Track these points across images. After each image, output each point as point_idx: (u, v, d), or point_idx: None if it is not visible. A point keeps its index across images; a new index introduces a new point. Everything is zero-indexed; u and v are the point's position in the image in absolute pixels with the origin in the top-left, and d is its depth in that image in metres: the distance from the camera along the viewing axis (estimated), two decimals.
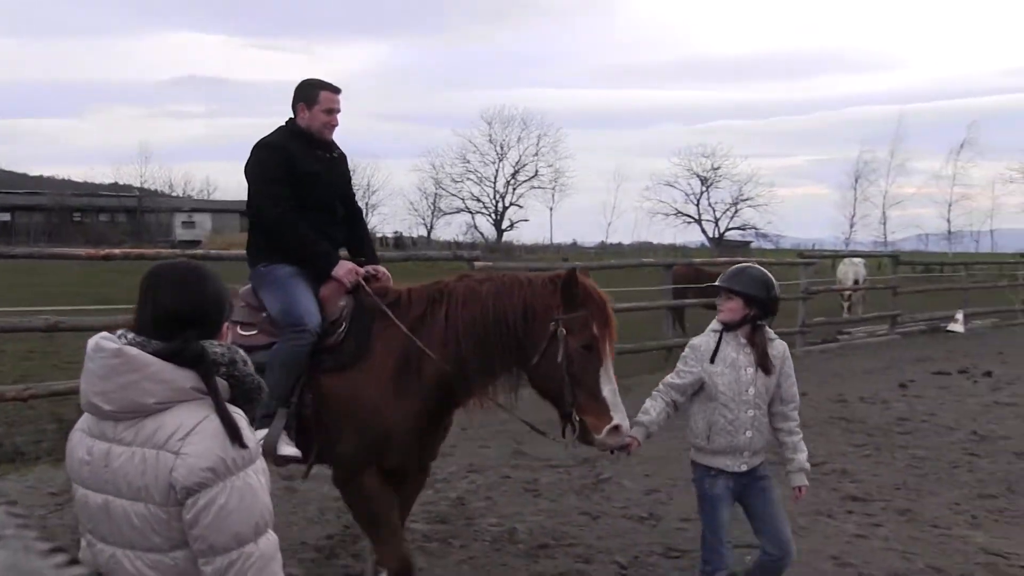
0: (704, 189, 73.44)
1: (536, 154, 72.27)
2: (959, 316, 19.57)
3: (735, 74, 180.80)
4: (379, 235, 72.84)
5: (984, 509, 6.83)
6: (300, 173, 4.56)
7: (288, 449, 4.21)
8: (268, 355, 4.24)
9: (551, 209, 72.29)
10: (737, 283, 4.39)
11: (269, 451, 4.11)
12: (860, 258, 23.48)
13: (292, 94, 4.74)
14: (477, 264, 10.16)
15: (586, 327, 4.02)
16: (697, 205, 73.62)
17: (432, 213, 77.72)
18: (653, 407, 4.45)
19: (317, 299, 4.45)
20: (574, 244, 67.75)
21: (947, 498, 7.10)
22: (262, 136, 4.71)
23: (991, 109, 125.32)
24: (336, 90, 4.74)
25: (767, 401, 4.42)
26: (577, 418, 3.99)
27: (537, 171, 72.53)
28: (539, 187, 72.29)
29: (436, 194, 77.23)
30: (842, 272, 21.33)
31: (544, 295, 4.11)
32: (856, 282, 20.34)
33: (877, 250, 49.00)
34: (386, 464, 4.23)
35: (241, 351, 2.39)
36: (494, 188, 75.54)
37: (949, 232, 65.40)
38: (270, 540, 2.25)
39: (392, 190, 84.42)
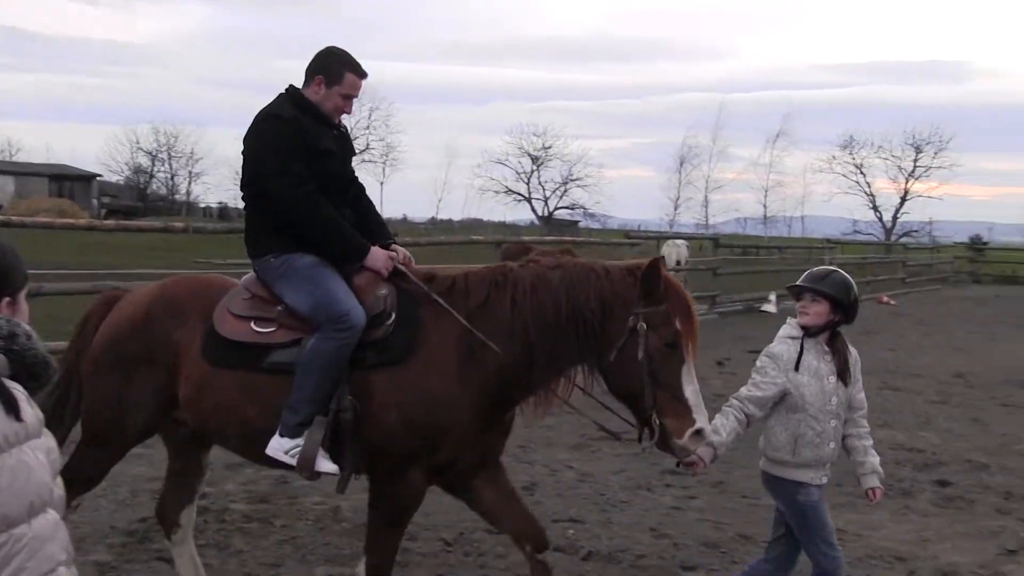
0: (535, 168, 74.19)
1: (368, 127, 71.09)
2: (772, 297, 20.68)
3: (570, 56, 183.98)
4: (202, 205, 70.17)
5: None
6: (316, 151, 4.08)
7: (327, 465, 3.88)
8: (299, 355, 3.88)
9: (381, 184, 71.33)
10: (826, 286, 4.14)
11: (306, 466, 3.84)
12: (683, 240, 24.40)
13: (311, 61, 4.20)
14: None
15: (668, 323, 3.77)
16: (527, 184, 74.41)
17: None
18: (724, 426, 4.07)
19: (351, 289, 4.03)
20: (404, 219, 67.13)
21: (756, 470, 7.43)
22: (273, 103, 4.18)
23: (805, 102, 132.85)
24: (363, 74, 4.22)
25: (846, 410, 4.22)
26: (657, 421, 3.74)
27: (368, 145, 71.51)
28: (370, 161, 71.26)
29: None
30: (666, 253, 22.07)
31: (623, 287, 3.83)
32: (679, 263, 21.08)
33: (699, 232, 50.97)
34: (437, 460, 3.95)
35: (25, 326, 2.20)
36: None
37: (765, 217, 68.90)
38: (48, 520, 2.10)
39: (217, 159, 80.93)
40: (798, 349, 4.15)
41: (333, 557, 5.35)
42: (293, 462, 3.86)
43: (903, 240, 57.92)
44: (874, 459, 4.28)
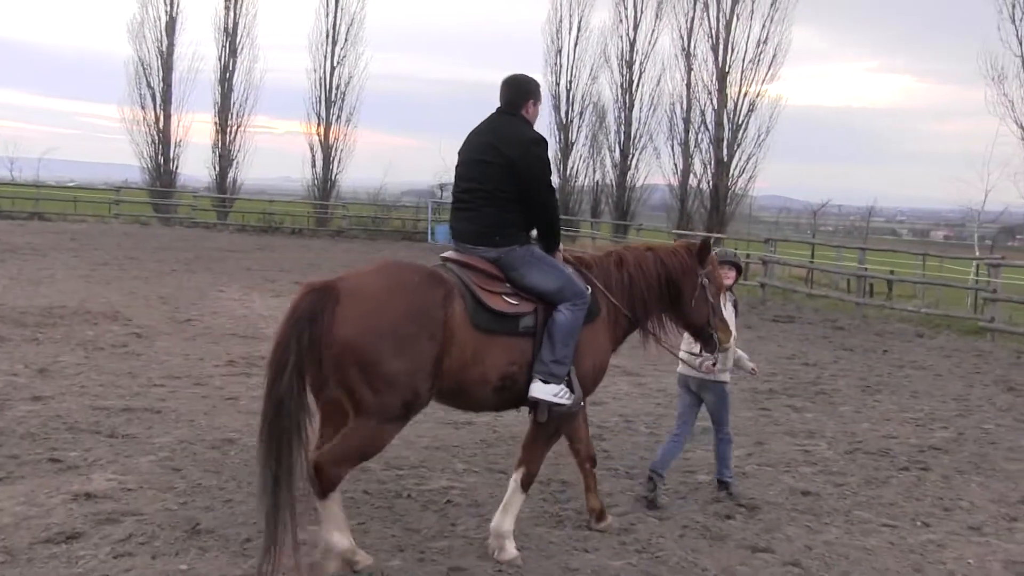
0: None
1: None
2: None
3: None
4: None
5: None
6: None
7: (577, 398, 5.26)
8: (552, 326, 5.08)
9: None
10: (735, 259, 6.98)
11: (578, 401, 5.23)
12: None
13: (520, 87, 5.41)
14: None
15: (713, 278, 5.91)
16: None
17: None
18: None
19: None
20: None
21: None
22: (534, 131, 5.38)
23: None
24: None
25: None
26: (711, 333, 5.85)
27: None
28: None
29: None
30: None
31: (690, 260, 5.81)
32: None
33: None
34: (588, 392, 5.47)
35: None
36: None
37: None
38: None
39: None
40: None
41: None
42: (567, 401, 5.15)
43: None
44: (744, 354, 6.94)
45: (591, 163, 43.18)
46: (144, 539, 5.19)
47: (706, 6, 37.05)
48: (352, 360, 4.57)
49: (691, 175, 37.47)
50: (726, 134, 36.41)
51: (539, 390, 5.07)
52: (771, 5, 35.81)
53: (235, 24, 42.88)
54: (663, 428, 8.35)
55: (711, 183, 36.67)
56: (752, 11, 36.11)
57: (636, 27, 40.71)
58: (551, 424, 5.25)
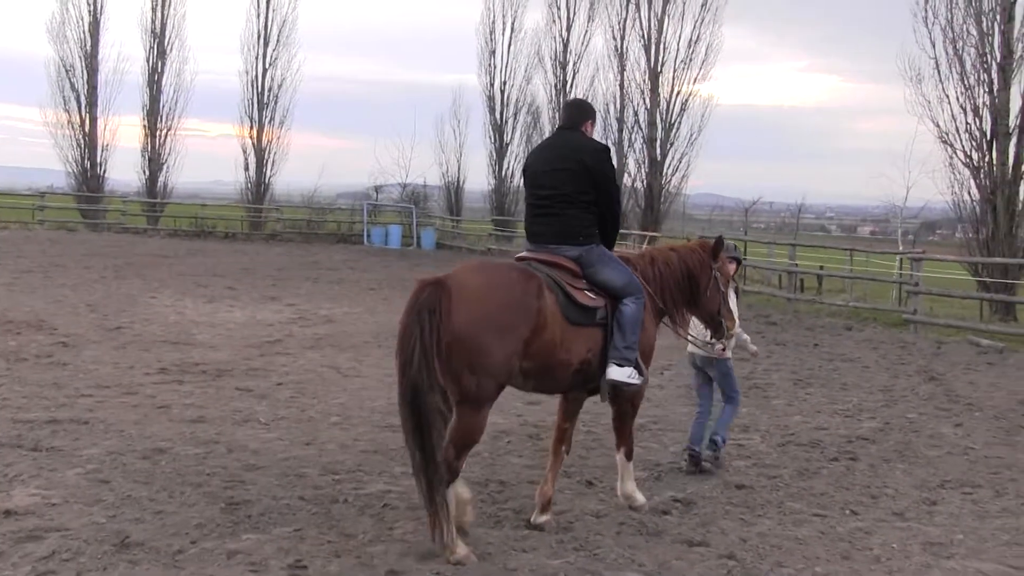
0: None
1: None
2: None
3: None
4: None
5: None
6: None
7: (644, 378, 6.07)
8: (622, 317, 5.81)
9: None
10: (736, 253, 7.50)
11: (647, 381, 6.10)
12: None
13: (581, 108, 6.32)
14: None
15: (724, 271, 6.79)
16: None
17: None
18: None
19: None
20: None
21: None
22: (600, 142, 6.28)
23: None
24: None
25: None
26: (720, 320, 6.70)
27: None
28: None
29: None
30: None
31: (706, 256, 6.66)
32: None
33: None
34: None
35: None
36: None
37: None
38: None
39: None
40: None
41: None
42: (637, 381, 5.91)
43: None
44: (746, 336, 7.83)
45: None
46: (69, 555, 5.03)
47: (638, 6, 37.48)
48: (462, 346, 5.18)
49: (625, 174, 37.77)
50: (659, 133, 36.84)
51: (615, 372, 5.81)
52: (702, 6, 36.40)
53: (163, 25, 42.06)
54: (600, 427, 8.42)
55: (645, 182, 37.05)
56: (683, 11, 36.66)
57: (569, 28, 41.06)
58: (626, 403, 6.19)
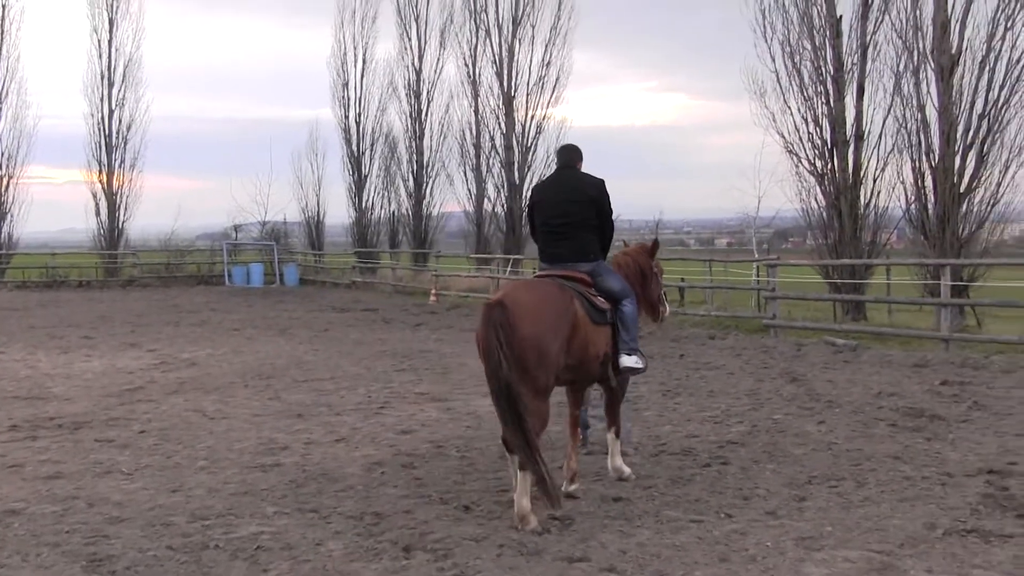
0: None
1: None
2: None
3: None
4: None
5: None
6: None
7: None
8: (624, 316, 7.20)
9: None
10: None
11: (647, 365, 7.58)
12: None
13: (574, 150, 7.54)
14: None
15: (660, 267, 8.25)
16: None
17: None
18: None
19: None
20: None
21: None
22: (596, 176, 7.41)
23: None
24: None
25: None
26: (660, 306, 8.18)
27: None
28: None
29: None
30: None
31: (649, 254, 8.06)
32: None
33: None
34: None
35: None
36: None
37: None
38: None
39: None
40: None
41: None
42: (642, 365, 7.29)
43: None
44: None
45: (385, 194, 42.92)
46: None
47: (488, 33, 37.79)
48: (531, 348, 6.33)
49: (485, 200, 38.01)
50: (516, 157, 37.16)
51: (627, 360, 7.20)
52: (551, 29, 37.02)
53: None
54: (474, 451, 8.38)
55: (505, 206, 37.32)
56: (533, 36, 37.14)
57: (421, 57, 40.97)
58: (619, 388, 7.57)
